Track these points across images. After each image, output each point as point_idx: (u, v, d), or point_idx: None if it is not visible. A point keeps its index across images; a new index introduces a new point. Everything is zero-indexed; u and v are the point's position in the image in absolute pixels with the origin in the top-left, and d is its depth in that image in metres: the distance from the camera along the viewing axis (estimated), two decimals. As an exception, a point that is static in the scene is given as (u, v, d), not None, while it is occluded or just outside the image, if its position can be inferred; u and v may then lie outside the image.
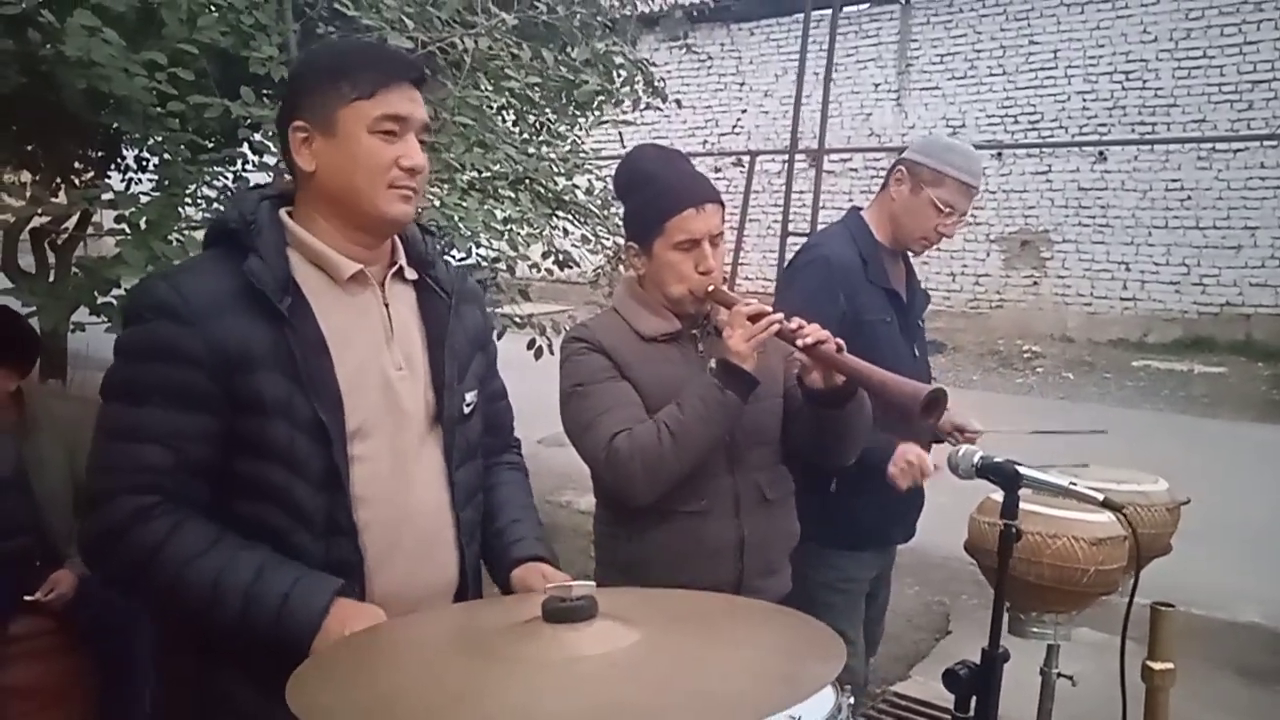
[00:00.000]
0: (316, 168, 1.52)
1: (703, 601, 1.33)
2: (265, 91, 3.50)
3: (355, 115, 1.50)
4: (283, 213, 1.57)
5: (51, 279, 4.82)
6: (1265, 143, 11.11)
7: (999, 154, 12.84)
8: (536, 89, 3.76)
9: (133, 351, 1.47)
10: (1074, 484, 1.66)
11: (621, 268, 4.35)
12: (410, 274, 1.66)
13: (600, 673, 1.04)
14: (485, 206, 3.43)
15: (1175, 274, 11.83)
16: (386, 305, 1.60)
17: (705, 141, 15.44)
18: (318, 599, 1.42)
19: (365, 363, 1.54)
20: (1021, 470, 1.65)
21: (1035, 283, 12.83)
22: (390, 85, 1.51)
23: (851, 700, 1.24)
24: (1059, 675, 2.32)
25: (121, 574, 1.48)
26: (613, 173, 2.33)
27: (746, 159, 13.97)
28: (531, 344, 4.16)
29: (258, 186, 1.72)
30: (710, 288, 2.02)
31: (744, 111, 15.21)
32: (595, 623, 1.12)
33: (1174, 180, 11.74)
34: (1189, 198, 11.66)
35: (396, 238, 1.65)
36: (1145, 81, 11.86)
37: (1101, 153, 12.17)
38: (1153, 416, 9.29)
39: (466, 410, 1.67)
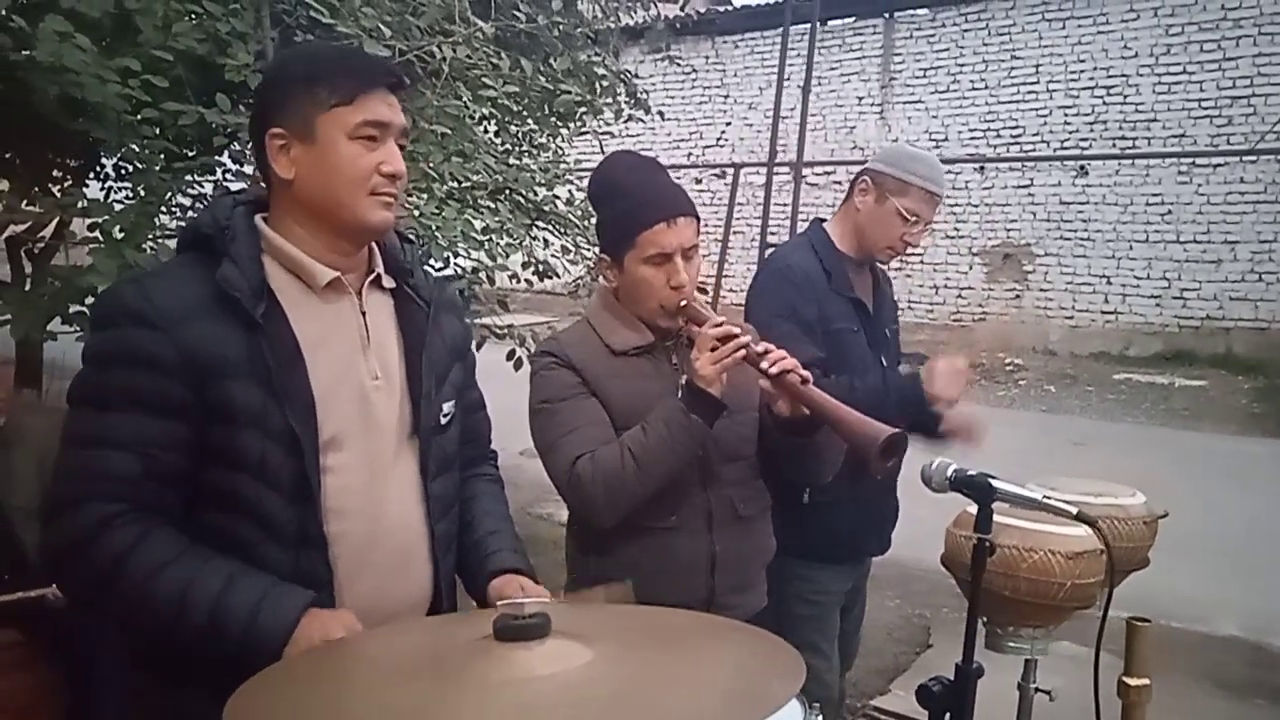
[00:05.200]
0: (295, 175, 1.50)
1: (663, 619, 1.29)
2: (242, 99, 3.47)
3: (335, 122, 1.48)
4: (258, 219, 1.55)
5: (27, 288, 4.77)
6: (1244, 158, 11.20)
7: (981, 168, 12.90)
8: (516, 98, 3.73)
9: (101, 357, 1.44)
10: (1048, 497, 1.65)
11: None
12: (388, 282, 1.63)
13: (550, 693, 1.01)
14: (464, 216, 3.40)
15: (1156, 288, 11.90)
16: (364, 314, 1.57)
17: (690, 154, 15.46)
18: (288, 611, 1.38)
19: (340, 372, 1.52)
20: (995, 483, 1.63)
21: (1017, 296, 12.88)
22: (370, 90, 1.49)
23: (819, 718, 1.21)
24: (1036, 690, 2.31)
25: (85, 584, 1.43)
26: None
27: (730, 171, 14.00)
28: (511, 355, 4.13)
29: (232, 192, 1.69)
30: (682, 303, 1.98)
31: (728, 124, 15.25)
32: (548, 641, 1.09)
33: (1154, 194, 11.82)
34: (1169, 212, 11.74)
35: (375, 245, 1.62)
36: (1126, 96, 11.95)
37: (1083, 167, 12.25)
38: (1133, 429, 9.32)
39: (444, 421, 1.65)
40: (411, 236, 1.74)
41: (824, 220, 2.72)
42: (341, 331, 1.54)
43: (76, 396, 1.45)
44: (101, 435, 1.40)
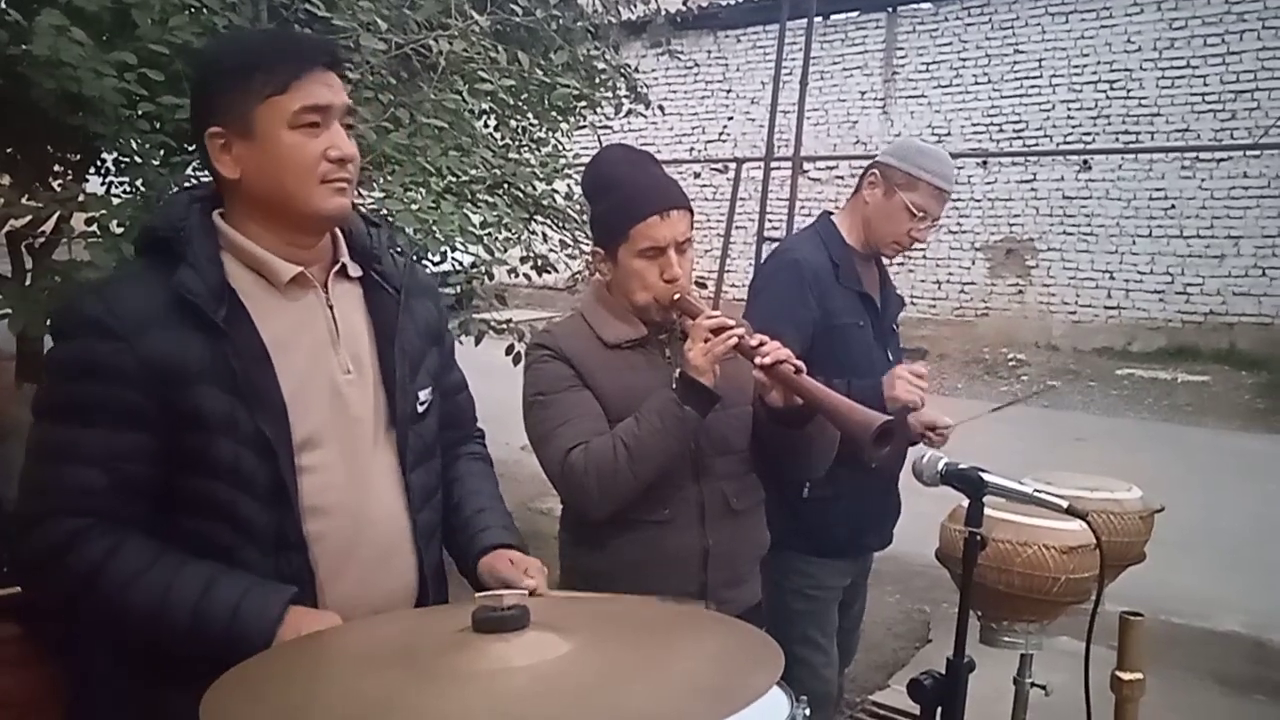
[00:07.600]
0: (241, 174, 1.44)
1: (644, 610, 1.29)
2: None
3: (272, 112, 1.41)
4: (216, 216, 1.49)
5: (27, 282, 4.77)
6: (1248, 152, 11.17)
7: (984, 162, 12.89)
8: (513, 92, 3.73)
9: (62, 369, 1.40)
10: (1039, 491, 1.64)
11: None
12: (354, 271, 1.58)
13: (524, 685, 1.00)
14: (461, 211, 3.40)
15: (1159, 283, 11.88)
16: (331, 307, 1.53)
17: (692, 149, 15.46)
18: (270, 609, 1.36)
19: (310, 370, 1.48)
20: (986, 477, 1.63)
21: (1020, 291, 12.87)
22: (305, 74, 1.42)
23: (808, 711, 1.21)
24: (1032, 685, 2.30)
25: (61, 598, 1.41)
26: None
27: (732, 166, 13.99)
28: (510, 349, 4.13)
29: (188, 188, 1.63)
30: (676, 296, 1.97)
31: (730, 118, 15.24)
32: (526, 633, 1.08)
33: (1158, 189, 11.80)
34: (1173, 207, 11.73)
35: (338, 233, 1.57)
36: (1129, 91, 11.92)
37: (1086, 161, 12.23)
38: (1136, 425, 9.32)
39: (421, 409, 1.61)
40: (377, 220, 1.67)
41: (832, 213, 2.71)
42: (309, 328, 1.50)
43: (40, 409, 1.41)
44: (66, 450, 1.38)
